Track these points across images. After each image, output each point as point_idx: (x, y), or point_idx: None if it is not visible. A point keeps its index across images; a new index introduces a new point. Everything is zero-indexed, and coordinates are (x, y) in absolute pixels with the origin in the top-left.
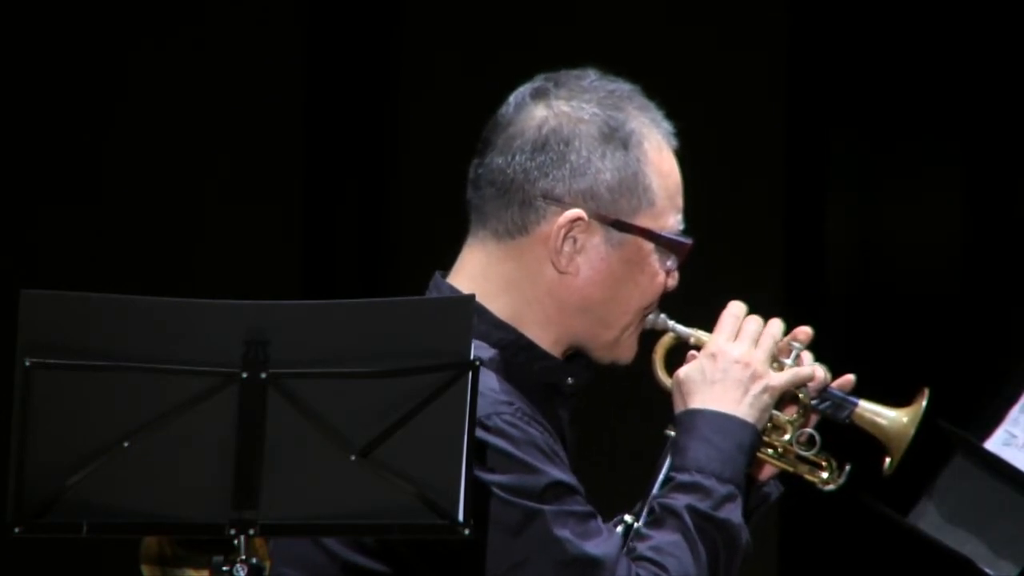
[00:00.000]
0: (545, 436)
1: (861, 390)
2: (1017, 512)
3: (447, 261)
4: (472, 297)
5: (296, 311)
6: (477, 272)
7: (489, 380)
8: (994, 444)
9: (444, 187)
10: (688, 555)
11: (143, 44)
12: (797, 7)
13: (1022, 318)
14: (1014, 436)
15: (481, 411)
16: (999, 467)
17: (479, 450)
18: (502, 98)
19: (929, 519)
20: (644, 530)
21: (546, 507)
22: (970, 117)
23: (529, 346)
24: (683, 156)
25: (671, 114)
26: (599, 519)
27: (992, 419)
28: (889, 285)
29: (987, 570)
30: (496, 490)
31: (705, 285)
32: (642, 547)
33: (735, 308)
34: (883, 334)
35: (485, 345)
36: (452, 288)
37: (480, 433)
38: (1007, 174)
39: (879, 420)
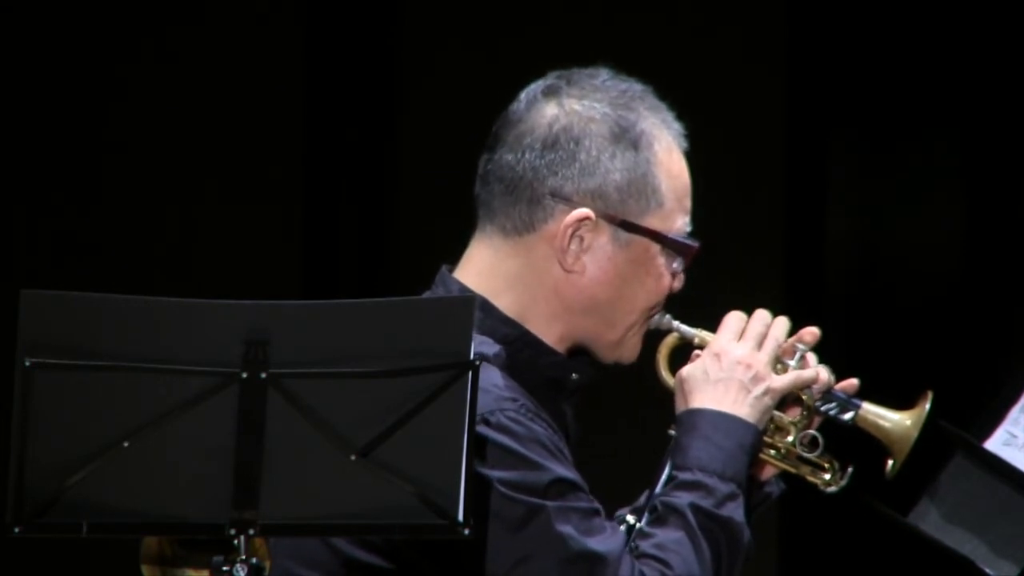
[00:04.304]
0: (549, 432)
1: (861, 390)
2: (1017, 512)
3: (447, 261)
4: (473, 298)
5: (296, 311)
6: (484, 268)
7: (493, 376)
8: (994, 444)
9: (444, 187)
10: (692, 553)
11: (143, 44)
12: (796, 8)
13: (1023, 318)
14: (1014, 436)
15: (485, 407)
16: (999, 467)
17: (482, 446)
18: (502, 97)
19: (929, 519)
20: (647, 528)
21: (549, 503)
22: (970, 117)
23: (535, 342)
24: (684, 157)
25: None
26: (603, 516)
27: (992, 419)
28: (889, 285)
29: (987, 570)
30: (499, 486)
31: (705, 285)
32: (645, 545)
33: (738, 312)
34: (883, 334)
35: (490, 341)
36: (459, 283)
37: (483, 429)
38: (1007, 174)
39: (883, 423)
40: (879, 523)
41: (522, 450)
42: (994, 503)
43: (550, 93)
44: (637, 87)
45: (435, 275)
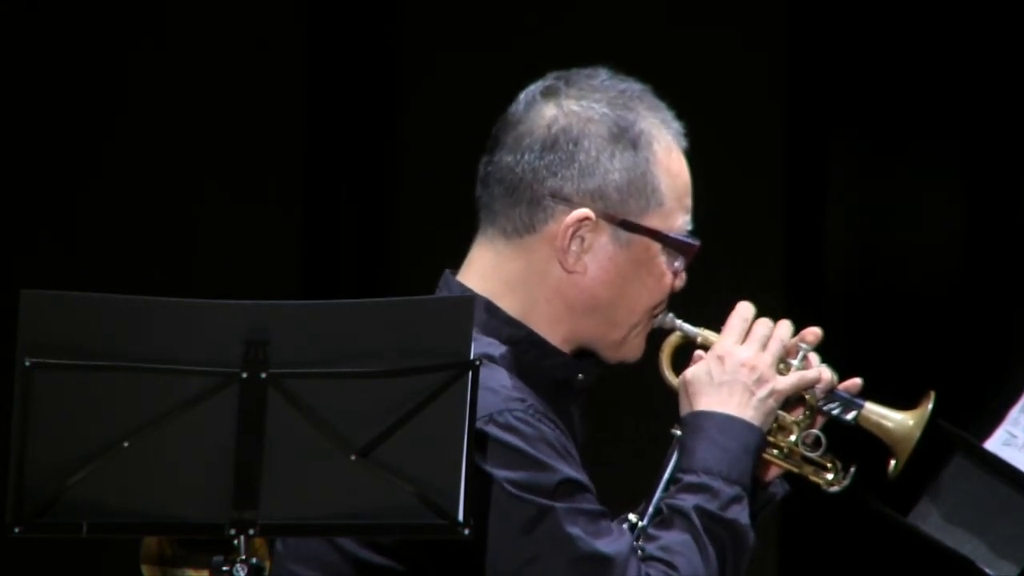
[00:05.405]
0: (557, 433)
1: (861, 390)
2: (1017, 512)
3: (447, 261)
4: (472, 298)
5: (296, 311)
6: (486, 270)
7: (501, 377)
8: (994, 444)
9: (444, 187)
10: (697, 555)
11: (143, 44)
12: (797, 7)
13: (1023, 318)
14: (1014, 436)
15: (493, 407)
16: (999, 467)
17: (490, 446)
18: (502, 97)
19: (929, 519)
20: (652, 531)
21: (558, 504)
22: (970, 117)
23: (540, 343)
24: (684, 156)
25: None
26: (609, 518)
27: (992, 419)
28: (889, 285)
29: (987, 570)
30: (508, 486)
31: (705, 284)
32: (651, 547)
33: (744, 311)
34: (883, 334)
35: (496, 342)
36: (462, 286)
37: (491, 429)
38: (1007, 174)
39: (885, 422)
40: (879, 523)
41: (530, 450)
42: (994, 503)
43: (549, 94)
44: (636, 86)
45: (438, 278)
